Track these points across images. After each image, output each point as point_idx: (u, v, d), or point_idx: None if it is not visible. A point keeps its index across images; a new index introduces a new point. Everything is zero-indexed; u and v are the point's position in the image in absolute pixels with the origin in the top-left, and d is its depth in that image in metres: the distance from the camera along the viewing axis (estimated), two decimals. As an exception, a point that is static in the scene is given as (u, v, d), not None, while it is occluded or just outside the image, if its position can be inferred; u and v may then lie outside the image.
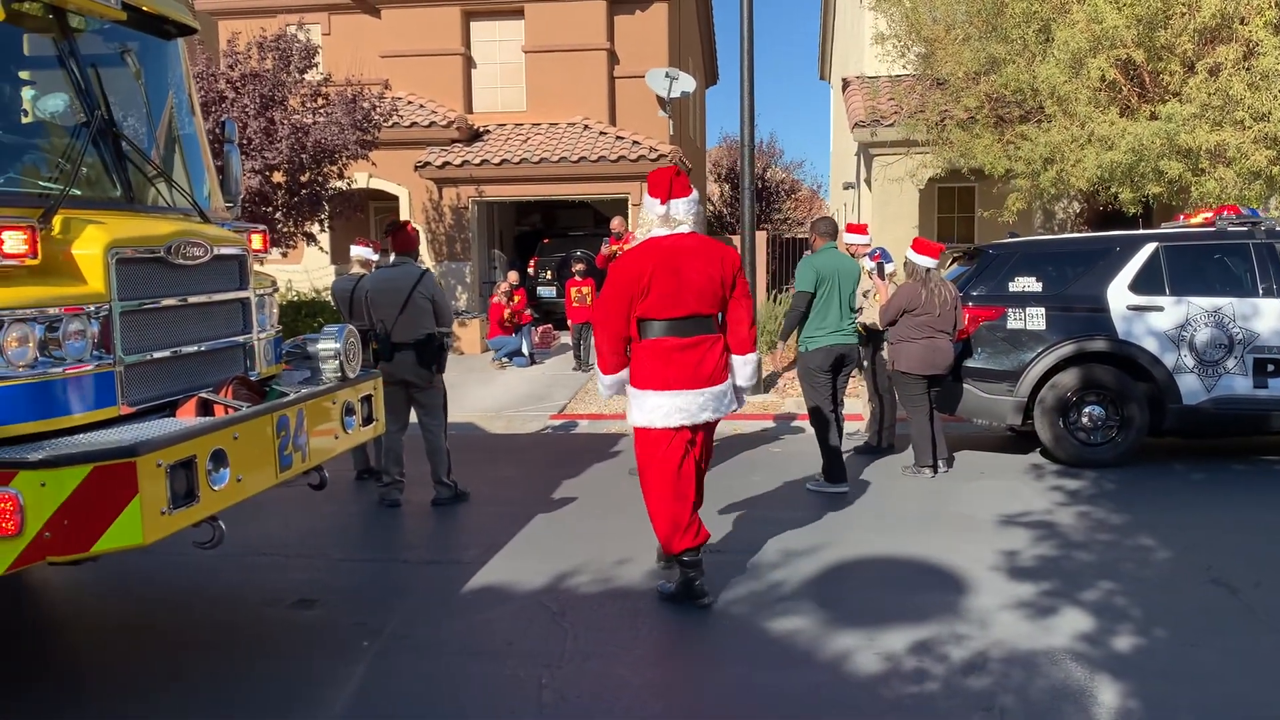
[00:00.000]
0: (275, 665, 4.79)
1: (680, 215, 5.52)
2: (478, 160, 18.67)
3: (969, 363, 8.85)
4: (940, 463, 8.45)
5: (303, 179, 14.79)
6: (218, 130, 12.29)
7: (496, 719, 4.22)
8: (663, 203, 5.51)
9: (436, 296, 7.67)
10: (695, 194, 5.61)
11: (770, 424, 11.05)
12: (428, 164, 18.79)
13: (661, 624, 5.24)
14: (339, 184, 15.97)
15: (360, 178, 18.82)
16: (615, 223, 13.93)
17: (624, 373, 5.56)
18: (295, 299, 17.31)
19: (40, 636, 5.32)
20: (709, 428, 5.62)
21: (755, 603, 5.47)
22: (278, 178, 14.57)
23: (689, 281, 5.39)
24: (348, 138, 14.66)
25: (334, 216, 16.22)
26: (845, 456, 8.54)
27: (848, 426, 10.23)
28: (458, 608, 5.52)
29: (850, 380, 11.41)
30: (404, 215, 19.50)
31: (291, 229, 15.00)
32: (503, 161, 18.55)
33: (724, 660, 4.76)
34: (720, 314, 5.56)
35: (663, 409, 5.42)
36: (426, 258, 19.03)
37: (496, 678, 4.60)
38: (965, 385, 8.88)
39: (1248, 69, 10.63)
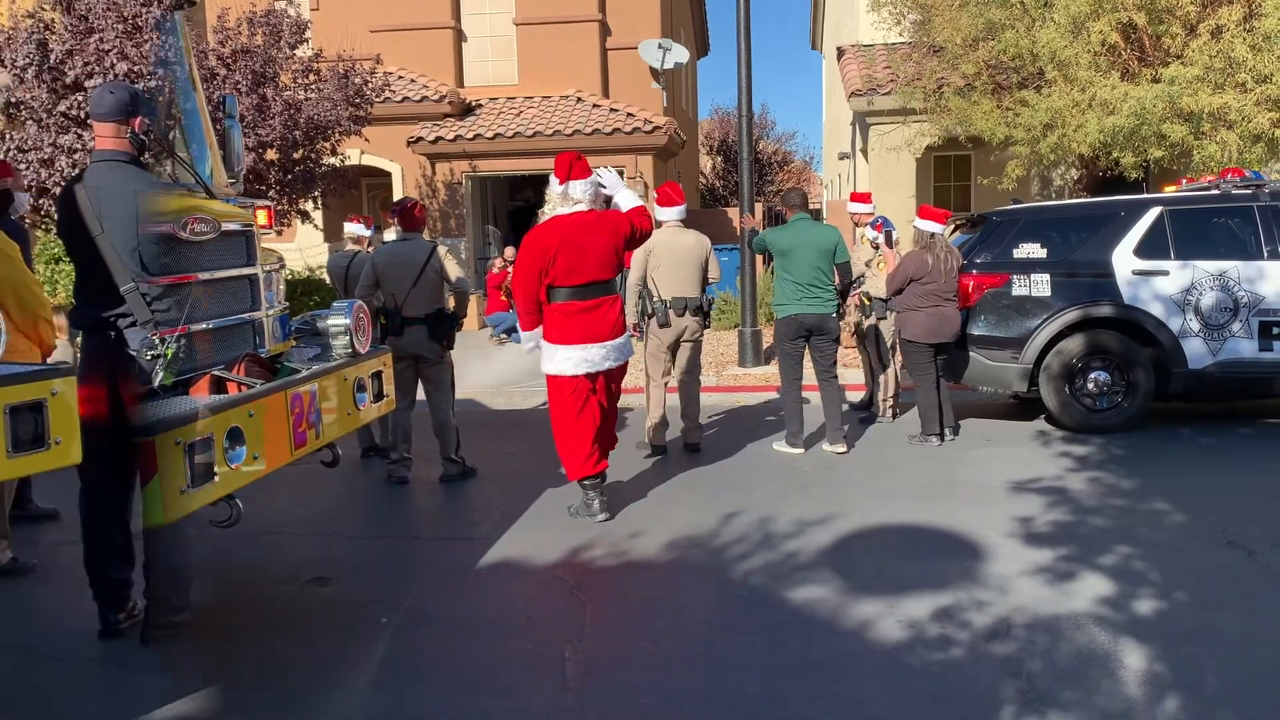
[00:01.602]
0: (295, 643, 4.76)
1: (578, 195, 6.43)
2: (470, 135, 18.36)
3: (974, 330, 8.81)
4: (947, 431, 8.43)
5: (296, 156, 14.58)
6: (212, 110, 12.08)
7: (521, 694, 4.19)
8: (561, 183, 6.44)
9: (449, 268, 7.62)
10: (593, 176, 6.54)
11: (774, 395, 11.02)
12: (420, 139, 18.49)
13: (680, 595, 5.22)
14: (332, 160, 15.70)
15: (353, 154, 18.52)
16: None
17: (540, 329, 6.51)
18: (290, 277, 17.18)
19: (57, 614, 5.27)
20: (610, 374, 6.57)
21: (772, 573, 5.45)
22: (271, 155, 14.33)
23: (589, 254, 6.32)
24: (340, 114, 14.46)
25: (327, 194, 16.00)
26: (844, 422, 8.57)
27: (850, 396, 10.21)
28: (473, 583, 5.49)
29: (846, 349, 11.43)
30: (397, 191, 19.25)
31: (285, 206, 14.82)
32: (495, 136, 18.27)
33: (746, 631, 4.74)
34: (619, 275, 6.53)
35: (571, 360, 6.41)
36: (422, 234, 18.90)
37: (518, 653, 4.57)
38: (970, 353, 8.85)
39: (1249, 30, 10.57)
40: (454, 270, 7.60)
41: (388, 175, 20.00)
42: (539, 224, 6.49)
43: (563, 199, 6.45)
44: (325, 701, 4.17)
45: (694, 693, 4.15)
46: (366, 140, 17.74)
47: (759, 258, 13.42)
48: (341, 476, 7.85)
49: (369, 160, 19.29)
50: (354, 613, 5.11)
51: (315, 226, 16.94)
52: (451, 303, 7.72)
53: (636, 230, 6.55)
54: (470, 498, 7.29)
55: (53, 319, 5.87)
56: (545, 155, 18.26)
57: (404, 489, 7.57)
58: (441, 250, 7.64)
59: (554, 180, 6.46)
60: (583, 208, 6.43)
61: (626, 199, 6.67)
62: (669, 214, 8.26)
